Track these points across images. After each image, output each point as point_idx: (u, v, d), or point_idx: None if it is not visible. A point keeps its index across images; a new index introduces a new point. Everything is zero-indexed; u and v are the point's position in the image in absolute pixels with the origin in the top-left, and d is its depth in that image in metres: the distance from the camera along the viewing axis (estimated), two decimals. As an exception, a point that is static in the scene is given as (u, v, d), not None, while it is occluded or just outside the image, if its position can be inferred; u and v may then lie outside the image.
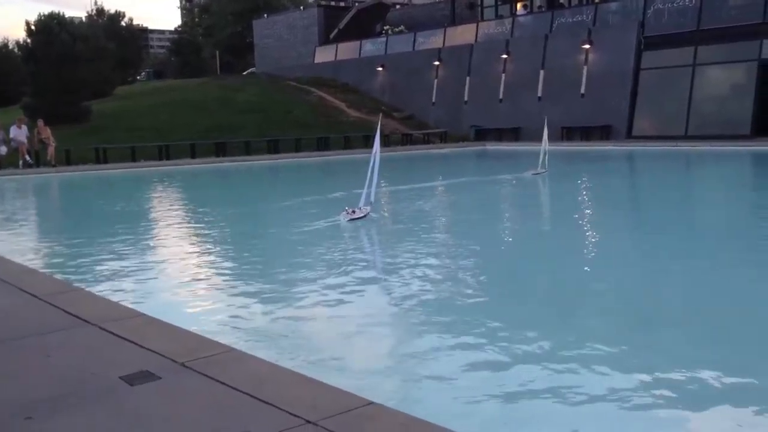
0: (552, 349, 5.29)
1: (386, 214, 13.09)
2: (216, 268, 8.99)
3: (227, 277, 8.27)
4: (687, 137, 28.44)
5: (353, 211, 11.73)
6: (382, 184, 15.47)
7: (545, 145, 18.89)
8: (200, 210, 15.58)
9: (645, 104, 30.75)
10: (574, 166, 20.70)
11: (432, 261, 8.82)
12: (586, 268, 8.62)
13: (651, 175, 21.31)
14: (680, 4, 30.41)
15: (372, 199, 11.87)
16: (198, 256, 9.83)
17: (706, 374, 4.76)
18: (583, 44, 32.47)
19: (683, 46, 29.57)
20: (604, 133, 31.24)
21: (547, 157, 18.46)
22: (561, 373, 4.78)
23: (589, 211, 13.94)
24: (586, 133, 31.62)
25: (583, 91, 32.36)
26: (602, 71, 31.90)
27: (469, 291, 7.27)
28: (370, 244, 10.72)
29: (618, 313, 6.50)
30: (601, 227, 11.74)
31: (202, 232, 12.14)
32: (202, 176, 25.20)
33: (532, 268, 8.61)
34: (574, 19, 34.35)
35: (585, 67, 32.50)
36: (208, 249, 10.48)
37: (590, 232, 11.29)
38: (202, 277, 8.37)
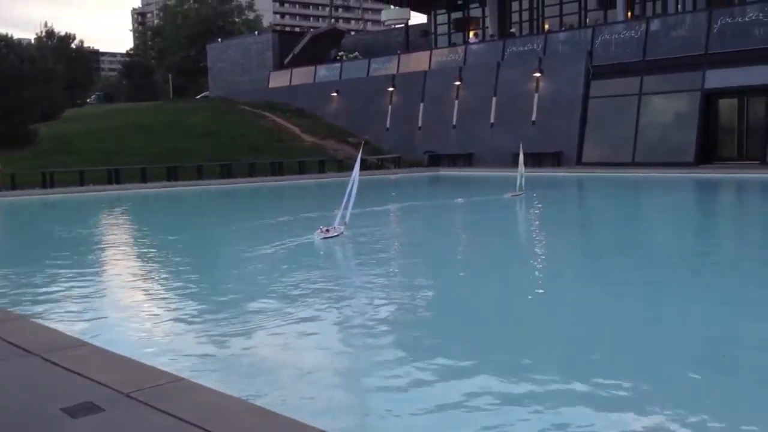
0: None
1: (362, 236, 13.24)
2: (165, 295, 8.79)
3: (176, 305, 8.09)
4: (634, 164, 29.16)
5: (327, 230, 12.14)
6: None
7: (521, 168, 20.13)
8: (148, 235, 15.32)
9: (594, 132, 31.47)
10: (539, 191, 21.42)
11: (402, 280, 8.80)
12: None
13: (607, 200, 21.74)
14: (626, 35, 31.34)
15: (347, 219, 12.34)
16: (146, 284, 9.61)
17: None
18: (534, 72, 33.16)
19: (630, 76, 30.44)
20: (555, 159, 31.82)
21: (524, 180, 19.82)
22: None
23: (564, 229, 14.44)
24: (538, 160, 32.14)
25: (534, 118, 32.97)
26: (552, 99, 32.58)
27: (425, 316, 7.26)
28: (328, 268, 10.64)
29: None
30: (577, 246, 11.91)
31: (151, 258, 11.92)
32: (152, 201, 24.79)
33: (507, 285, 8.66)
34: (525, 48, 35.09)
35: (536, 95, 33.15)
36: (157, 276, 10.26)
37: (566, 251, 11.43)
38: (149, 305, 8.18)
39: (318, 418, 4.06)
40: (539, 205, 19.44)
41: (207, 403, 3.78)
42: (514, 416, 4.58)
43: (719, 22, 28.42)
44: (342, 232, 12.27)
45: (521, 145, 21.43)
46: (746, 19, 27.93)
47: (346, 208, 12.30)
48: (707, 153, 28.64)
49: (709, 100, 28.83)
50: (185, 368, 5.23)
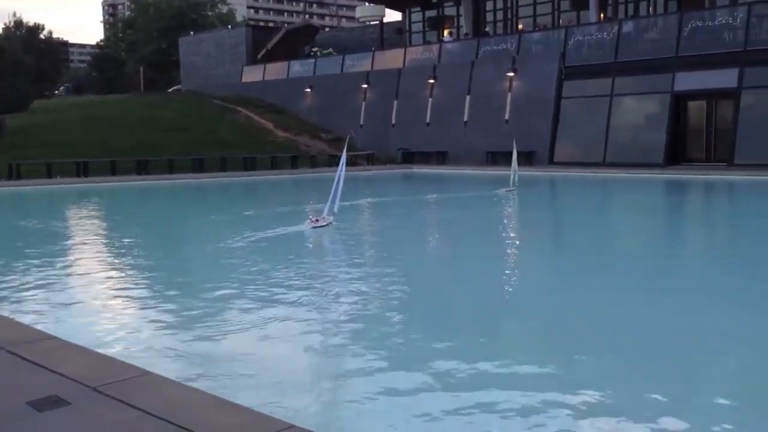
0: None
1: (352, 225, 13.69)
2: (132, 289, 8.70)
3: (143, 299, 8.02)
4: (605, 164, 29.48)
5: (317, 220, 12.71)
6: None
7: (515, 165, 21.33)
8: (115, 229, 15.14)
9: (566, 132, 31.76)
10: (525, 188, 22.06)
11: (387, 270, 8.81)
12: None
13: (582, 199, 22.10)
14: (598, 36, 31.66)
15: (336, 210, 12.99)
16: (112, 277, 9.50)
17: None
18: (508, 72, 33.35)
19: (602, 77, 30.76)
20: (528, 158, 32.03)
21: (517, 176, 20.84)
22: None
23: (557, 224, 14.93)
24: (510, 158, 32.29)
25: (507, 117, 33.17)
26: (525, 98, 32.80)
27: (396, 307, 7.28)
28: (301, 261, 10.60)
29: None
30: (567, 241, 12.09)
31: (118, 252, 11.79)
32: (121, 194, 24.50)
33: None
34: (499, 48, 35.27)
35: (509, 94, 33.35)
36: (124, 269, 10.14)
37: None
38: (116, 298, 8.09)
39: (286, 411, 4.05)
40: (533, 201, 21.02)
41: (174, 397, 3.75)
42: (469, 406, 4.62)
43: (689, 26, 28.83)
44: (331, 222, 12.82)
45: (515, 142, 23.06)
46: (716, 22, 28.38)
47: (334, 200, 12.86)
48: (676, 154, 29.06)
49: (679, 102, 29.25)
50: (152, 362, 5.18)
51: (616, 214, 18.46)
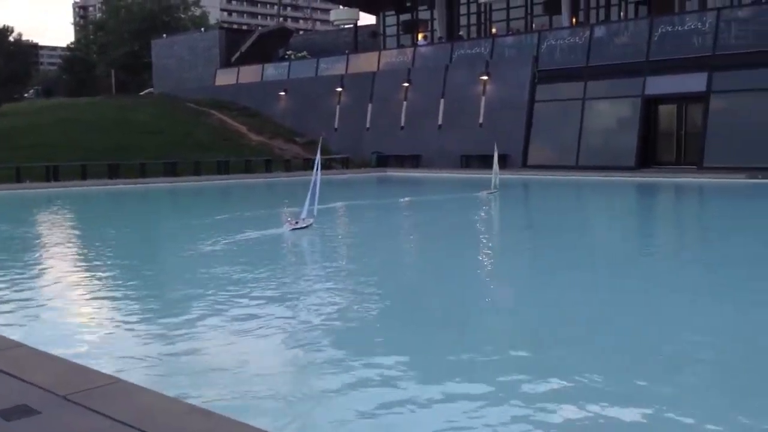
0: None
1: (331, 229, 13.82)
2: (101, 296, 8.56)
3: (114, 305, 7.91)
4: (578, 167, 29.77)
5: (296, 222, 12.88)
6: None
7: (496, 168, 21.88)
8: (85, 235, 14.95)
9: (539, 135, 32.00)
10: (504, 191, 22.37)
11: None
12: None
13: (555, 201, 22.35)
14: (571, 41, 31.98)
15: (315, 212, 13.26)
16: (81, 284, 9.36)
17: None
18: (481, 76, 33.54)
19: (574, 81, 31.06)
20: (502, 161, 32.16)
21: (498, 179, 21.36)
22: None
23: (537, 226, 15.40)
24: (485, 162, 32.49)
25: (481, 120, 33.35)
26: (499, 102, 33.01)
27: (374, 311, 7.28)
28: (270, 266, 10.55)
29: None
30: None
31: (86, 258, 11.63)
32: (92, 198, 24.19)
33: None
34: (473, 51, 35.47)
35: (483, 98, 33.54)
36: (93, 277, 9.98)
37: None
38: (86, 305, 7.98)
39: (258, 418, 4.02)
40: (515, 203, 22.14)
41: (145, 405, 3.71)
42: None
43: (660, 31, 29.24)
44: (311, 224, 13.06)
45: (495, 145, 23.53)
46: (685, 27, 28.81)
47: (312, 202, 13.15)
48: (647, 157, 29.43)
49: (650, 105, 29.64)
50: (122, 370, 5.12)
51: (599, 216, 18.88)
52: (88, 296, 8.47)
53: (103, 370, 4.47)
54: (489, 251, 12.38)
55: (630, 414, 4.67)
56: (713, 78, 27.51)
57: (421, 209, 20.46)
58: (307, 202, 13.12)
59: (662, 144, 29.98)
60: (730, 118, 27.13)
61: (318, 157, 13.74)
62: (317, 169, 13.41)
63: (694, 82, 27.87)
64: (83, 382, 4.01)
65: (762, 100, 26.41)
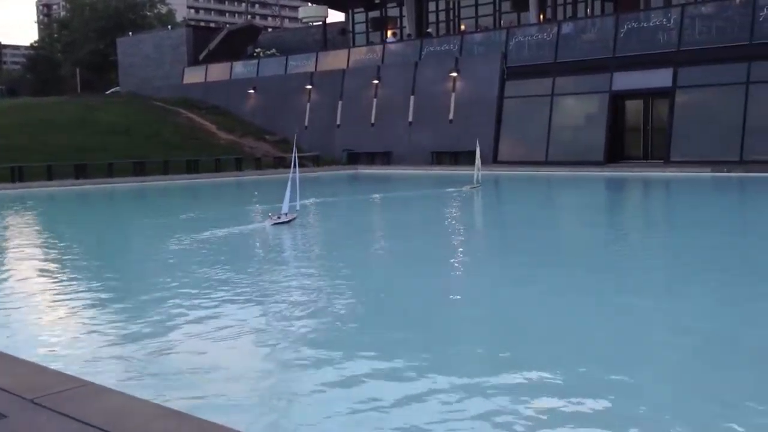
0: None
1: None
2: (68, 298, 8.40)
3: (82, 306, 7.77)
4: (548, 163, 30.02)
5: (278, 217, 13.20)
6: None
7: (478, 163, 22.60)
8: (51, 236, 14.71)
9: (509, 131, 32.20)
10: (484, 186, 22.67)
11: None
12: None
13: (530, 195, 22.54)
14: (539, 37, 32.21)
15: (297, 207, 13.67)
16: (48, 286, 9.19)
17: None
18: (451, 72, 33.64)
19: (542, 77, 31.29)
20: (472, 157, 32.33)
21: (480, 174, 21.91)
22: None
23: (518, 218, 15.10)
24: (455, 158, 32.64)
25: (451, 117, 33.46)
26: (469, 98, 33.14)
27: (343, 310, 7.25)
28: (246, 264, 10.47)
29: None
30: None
31: (52, 259, 11.44)
32: (59, 199, 23.79)
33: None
34: (442, 48, 35.57)
35: (453, 94, 33.64)
36: (60, 278, 9.82)
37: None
38: (54, 307, 7.84)
39: (232, 419, 3.98)
40: (499, 197, 23.17)
41: (115, 407, 3.64)
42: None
43: (626, 27, 29.59)
44: (295, 218, 13.44)
45: (477, 141, 24.30)
46: (651, 24, 29.18)
47: (293, 198, 13.43)
48: (615, 152, 29.77)
49: (617, 101, 29.98)
50: (92, 372, 5.04)
51: (575, 208, 19.29)
52: (55, 298, 8.32)
53: (71, 373, 4.39)
54: (488, 246, 12.68)
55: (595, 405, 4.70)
56: (678, 73, 27.90)
57: (401, 205, 20.32)
58: (287, 198, 13.36)
59: (630, 139, 30.35)
60: (695, 113, 27.55)
61: (294, 153, 13.98)
62: (295, 165, 13.64)
63: (660, 78, 28.24)
64: (51, 385, 3.93)
65: (726, 95, 26.88)
